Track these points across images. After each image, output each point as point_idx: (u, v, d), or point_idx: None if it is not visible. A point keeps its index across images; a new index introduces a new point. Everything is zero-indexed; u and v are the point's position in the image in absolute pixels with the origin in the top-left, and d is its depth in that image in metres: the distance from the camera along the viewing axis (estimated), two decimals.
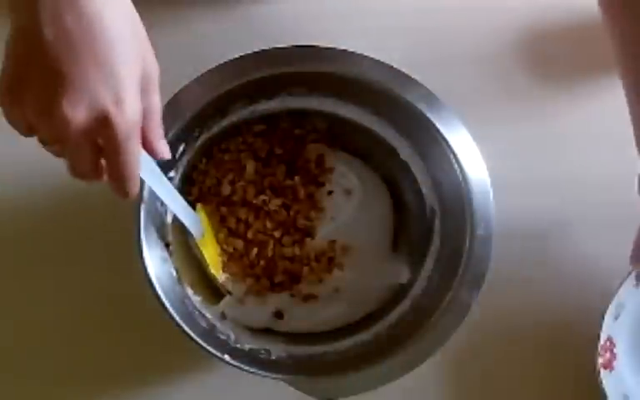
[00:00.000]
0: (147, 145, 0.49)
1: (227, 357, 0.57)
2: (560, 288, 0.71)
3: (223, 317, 0.64)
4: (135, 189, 0.47)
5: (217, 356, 0.57)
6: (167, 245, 0.63)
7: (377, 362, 0.59)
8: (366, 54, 0.63)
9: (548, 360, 0.69)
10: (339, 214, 0.68)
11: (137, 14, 0.46)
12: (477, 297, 0.60)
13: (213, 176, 0.67)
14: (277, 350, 0.62)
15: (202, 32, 0.74)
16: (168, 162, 0.57)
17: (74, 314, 0.68)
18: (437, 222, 0.66)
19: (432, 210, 0.66)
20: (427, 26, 0.76)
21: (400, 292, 0.66)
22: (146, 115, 0.47)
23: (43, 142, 0.46)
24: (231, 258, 0.66)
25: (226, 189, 0.66)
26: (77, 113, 0.42)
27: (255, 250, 0.65)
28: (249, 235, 0.66)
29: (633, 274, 0.66)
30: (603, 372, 0.66)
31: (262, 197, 0.66)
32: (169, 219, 0.64)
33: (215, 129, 0.65)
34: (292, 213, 0.67)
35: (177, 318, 0.57)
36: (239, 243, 0.66)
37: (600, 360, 0.65)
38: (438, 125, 0.63)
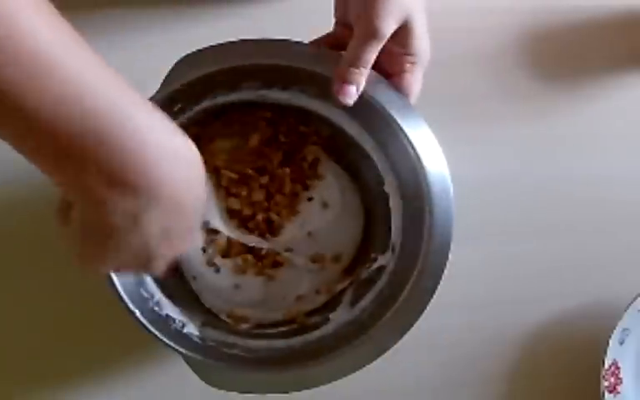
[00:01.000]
0: None
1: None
2: (565, 311, 0.70)
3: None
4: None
5: (179, 351, 0.57)
6: None
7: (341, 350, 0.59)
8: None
9: (553, 383, 0.69)
10: (309, 224, 0.66)
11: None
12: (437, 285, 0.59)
13: (220, 133, 0.66)
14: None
15: (205, 33, 0.72)
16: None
17: (91, 313, 0.67)
18: (397, 217, 0.64)
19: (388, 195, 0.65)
20: (428, 26, 0.74)
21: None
22: None
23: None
24: None
25: (226, 145, 0.66)
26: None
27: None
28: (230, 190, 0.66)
29: (639, 300, 0.66)
30: (608, 396, 0.66)
31: (251, 171, 0.66)
32: None
33: (220, 99, 0.63)
34: (270, 202, 0.66)
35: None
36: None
37: (605, 383, 0.66)
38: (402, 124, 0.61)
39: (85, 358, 0.67)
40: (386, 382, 0.65)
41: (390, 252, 0.63)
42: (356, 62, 0.55)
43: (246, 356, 0.61)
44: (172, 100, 0.59)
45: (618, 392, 0.67)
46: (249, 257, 0.65)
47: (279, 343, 0.63)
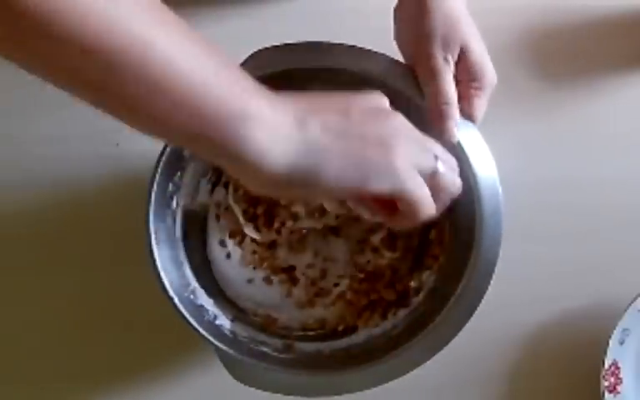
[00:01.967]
0: None
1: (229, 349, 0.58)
2: (565, 311, 0.70)
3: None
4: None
5: (212, 342, 0.57)
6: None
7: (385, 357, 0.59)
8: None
9: (554, 383, 0.69)
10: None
11: None
12: (488, 286, 0.59)
13: None
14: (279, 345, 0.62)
15: (210, 33, 0.72)
16: None
17: (80, 312, 0.68)
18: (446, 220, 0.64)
19: None
20: None
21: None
22: None
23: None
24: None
25: None
26: None
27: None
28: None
29: (639, 300, 0.66)
30: (608, 396, 0.66)
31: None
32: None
33: None
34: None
35: (186, 313, 0.58)
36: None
37: (605, 383, 0.65)
38: None
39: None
40: None
41: (429, 271, 0.64)
42: (445, 98, 0.58)
43: (274, 355, 0.61)
44: None
45: (618, 392, 0.66)
46: (258, 249, 0.66)
47: (308, 347, 0.63)
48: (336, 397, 0.58)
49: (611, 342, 0.65)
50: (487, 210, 0.60)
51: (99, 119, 0.70)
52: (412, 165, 0.47)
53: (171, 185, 0.61)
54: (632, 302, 0.65)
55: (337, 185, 0.45)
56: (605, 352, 0.65)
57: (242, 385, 0.57)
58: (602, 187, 0.73)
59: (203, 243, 0.66)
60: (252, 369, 0.57)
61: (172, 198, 0.62)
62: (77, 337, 0.68)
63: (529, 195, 0.70)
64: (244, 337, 0.61)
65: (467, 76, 0.59)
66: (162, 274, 0.58)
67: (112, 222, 0.69)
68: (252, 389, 0.57)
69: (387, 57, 0.61)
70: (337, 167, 0.45)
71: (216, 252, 0.66)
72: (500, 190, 0.60)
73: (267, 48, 0.60)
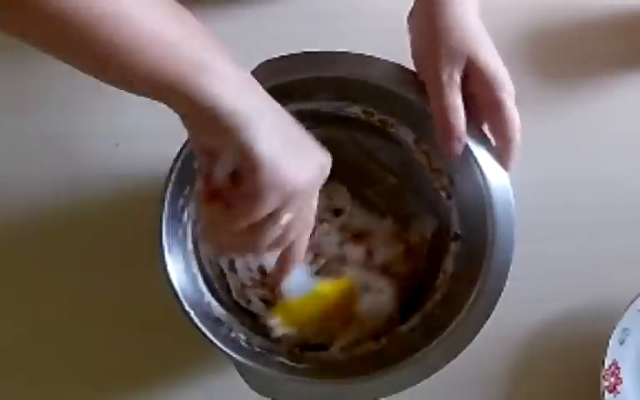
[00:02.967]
0: None
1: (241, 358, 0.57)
2: (565, 311, 0.70)
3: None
4: None
5: (230, 356, 0.57)
6: None
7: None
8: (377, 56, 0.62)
9: (553, 383, 0.69)
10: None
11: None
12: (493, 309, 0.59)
13: None
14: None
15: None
16: None
17: (89, 314, 0.68)
18: (457, 224, 0.65)
19: (452, 211, 0.65)
20: None
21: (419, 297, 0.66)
22: None
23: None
24: None
25: None
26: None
27: None
28: None
29: (639, 300, 0.66)
30: (608, 396, 0.66)
31: None
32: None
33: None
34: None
35: (198, 322, 0.57)
36: None
37: (605, 383, 0.65)
38: None
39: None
40: None
41: (442, 274, 0.64)
42: (448, 115, 0.56)
43: (292, 365, 0.60)
44: None
45: (618, 392, 0.66)
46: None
47: (323, 355, 0.63)
48: None
49: (611, 342, 0.65)
50: (499, 218, 0.59)
51: (99, 119, 0.72)
52: (299, 200, 0.48)
53: (182, 199, 0.60)
54: (632, 302, 0.65)
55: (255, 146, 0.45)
56: (605, 352, 0.65)
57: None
58: (602, 187, 0.73)
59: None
60: (270, 380, 0.57)
61: (182, 211, 0.61)
62: (78, 338, 0.67)
63: (528, 195, 0.70)
64: (260, 347, 0.61)
65: (479, 88, 0.57)
66: (178, 291, 0.57)
67: (111, 222, 0.69)
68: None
69: (393, 63, 0.61)
70: (268, 129, 0.46)
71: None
72: (512, 196, 0.60)
73: (268, 61, 0.60)
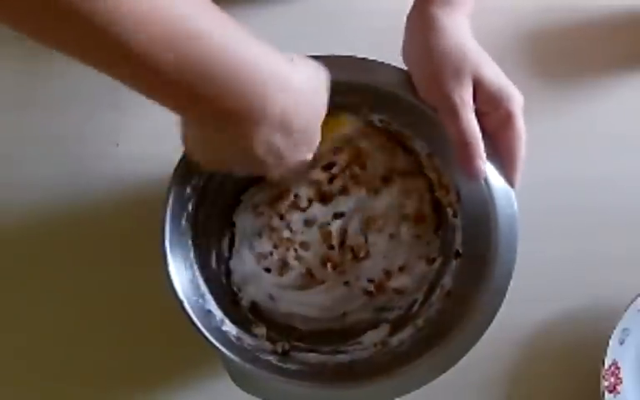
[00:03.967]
0: None
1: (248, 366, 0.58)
2: (565, 311, 0.70)
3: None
4: None
5: (222, 351, 0.57)
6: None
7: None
8: (382, 61, 0.61)
9: (553, 383, 0.69)
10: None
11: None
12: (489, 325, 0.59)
13: None
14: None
15: None
16: None
17: (88, 314, 0.68)
18: (460, 242, 0.65)
19: (456, 230, 0.65)
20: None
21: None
22: None
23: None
24: None
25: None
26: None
27: None
28: None
29: (639, 300, 0.65)
30: (608, 396, 0.66)
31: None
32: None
33: None
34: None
35: (199, 324, 0.58)
36: None
37: (605, 383, 0.65)
38: None
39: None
40: None
41: (439, 290, 0.64)
42: (467, 138, 0.56)
43: (279, 365, 0.60)
44: None
45: (618, 393, 0.66)
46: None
47: (312, 358, 0.63)
48: None
49: (611, 342, 0.65)
50: (503, 238, 0.60)
51: (99, 119, 0.72)
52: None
53: (188, 188, 0.61)
54: (632, 302, 0.65)
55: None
56: (605, 352, 0.65)
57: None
58: (601, 187, 0.73)
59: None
60: (255, 378, 0.57)
61: (188, 201, 0.62)
62: (77, 339, 0.68)
63: (528, 195, 0.70)
64: (250, 344, 0.61)
65: (488, 105, 0.57)
66: (173, 276, 0.58)
67: (112, 222, 0.69)
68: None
69: (400, 69, 0.61)
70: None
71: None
72: (515, 202, 0.60)
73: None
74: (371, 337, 0.64)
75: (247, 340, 0.61)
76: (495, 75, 0.57)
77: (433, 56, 0.57)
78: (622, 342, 0.66)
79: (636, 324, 0.67)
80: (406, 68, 0.61)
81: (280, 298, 0.66)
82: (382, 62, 0.61)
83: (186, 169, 0.59)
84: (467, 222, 0.63)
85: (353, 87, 0.60)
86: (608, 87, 0.76)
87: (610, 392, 0.66)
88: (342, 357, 0.63)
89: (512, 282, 0.67)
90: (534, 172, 0.71)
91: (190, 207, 0.62)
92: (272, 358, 0.61)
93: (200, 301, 0.60)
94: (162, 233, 0.58)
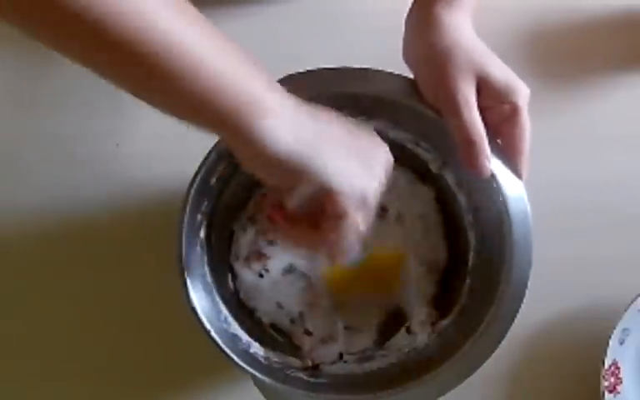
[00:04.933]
0: None
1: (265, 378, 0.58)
2: (565, 311, 0.70)
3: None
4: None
5: (249, 371, 0.57)
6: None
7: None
8: (388, 70, 0.61)
9: (553, 383, 0.69)
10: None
11: None
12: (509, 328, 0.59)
13: None
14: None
15: None
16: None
17: (88, 318, 0.68)
18: (471, 232, 0.65)
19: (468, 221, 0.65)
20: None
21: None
22: None
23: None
24: None
25: None
26: None
27: None
28: None
29: (639, 300, 0.65)
30: (608, 396, 0.66)
31: None
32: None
33: None
34: None
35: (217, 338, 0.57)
36: None
37: (605, 383, 0.65)
38: None
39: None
40: None
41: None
42: (472, 136, 0.56)
43: (308, 380, 0.61)
44: None
45: (618, 393, 0.66)
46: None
47: (339, 369, 0.63)
48: None
49: (611, 342, 0.65)
50: (517, 232, 0.59)
51: (99, 119, 0.72)
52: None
53: (199, 215, 0.60)
54: (632, 302, 0.65)
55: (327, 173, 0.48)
56: (605, 352, 0.65)
57: None
58: (601, 187, 0.73)
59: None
60: (288, 396, 0.58)
61: (199, 228, 0.61)
62: (77, 340, 0.68)
63: (528, 195, 0.70)
64: (277, 362, 0.61)
65: (493, 100, 0.57)
66: (197, 306, 0.57)
67: (112, 223, 0.69)
68: None
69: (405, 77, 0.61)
70: (331, 155, 0.48)
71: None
72: (529, 210, 0.60)
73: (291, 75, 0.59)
74: (395, 343, 0.65)
75: (275, 358, 0.61)
76: (501, 71, 0.57)
77: (436, 55, 0.56)
78: (622, 342, 0.66)
79: (636, 324, 0.67)
80: (405, 68, 0.60)
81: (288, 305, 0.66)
82: (382, 71, 0.60)
83: (201, 186, 0.59)
84: (482, 230, 0.63)
85: (350, 96, 0.60)
86: (608, 87, 0.76)
87: (610, 392, 0.66)
88: (368, 366, 0.63)
89: None
90: (533, 173, 0.71)
91: (202, 233, 0.61)
92: (302, 375, 0.61)
93: (224, 325, 0.60)
94: (180, 265, 0.57)
